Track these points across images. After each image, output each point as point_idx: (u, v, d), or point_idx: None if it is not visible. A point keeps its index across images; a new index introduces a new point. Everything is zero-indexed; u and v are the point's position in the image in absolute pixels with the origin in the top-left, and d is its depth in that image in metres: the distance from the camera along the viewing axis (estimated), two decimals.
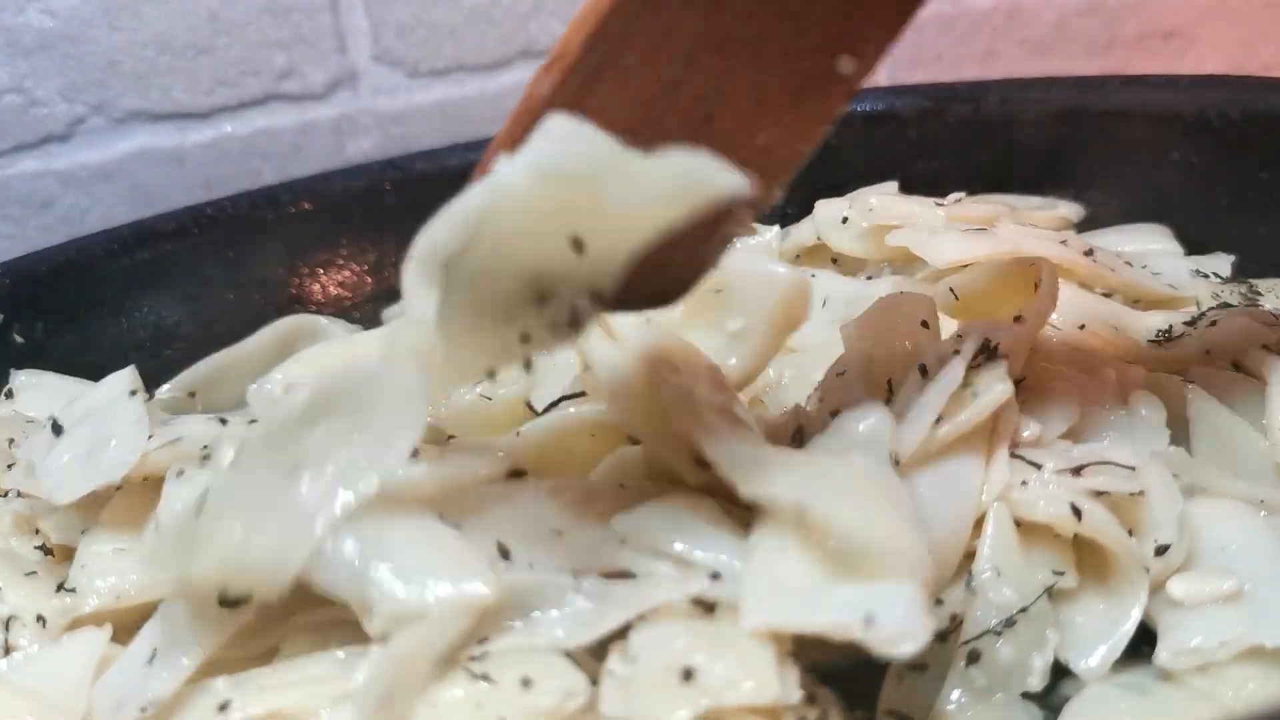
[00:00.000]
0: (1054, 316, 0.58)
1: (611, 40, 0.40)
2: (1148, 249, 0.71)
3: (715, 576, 0.40)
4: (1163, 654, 0.40)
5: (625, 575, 0.42)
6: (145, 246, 0.78)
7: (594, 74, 0.40)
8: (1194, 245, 0.71)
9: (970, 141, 0.81)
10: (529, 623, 0.40)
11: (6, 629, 0.49)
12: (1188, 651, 0.39)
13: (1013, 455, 0.46)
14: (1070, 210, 0.76)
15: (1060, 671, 0.43)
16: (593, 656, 0.40)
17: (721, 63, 0.41)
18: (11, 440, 0.59)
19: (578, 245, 0.36)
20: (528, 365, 0.47)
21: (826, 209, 0.75)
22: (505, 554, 0.42)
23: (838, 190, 0.78)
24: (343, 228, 0.78)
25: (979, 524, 0.44)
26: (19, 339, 0.72)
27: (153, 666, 0.42)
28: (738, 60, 0.41)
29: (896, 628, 0.35)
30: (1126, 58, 1.11)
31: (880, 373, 0.50)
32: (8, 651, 0.48)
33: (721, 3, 0.40)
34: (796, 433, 0.50)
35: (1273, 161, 0.69)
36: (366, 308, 0.83)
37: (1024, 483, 0.45)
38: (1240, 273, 0.67)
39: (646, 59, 0.40)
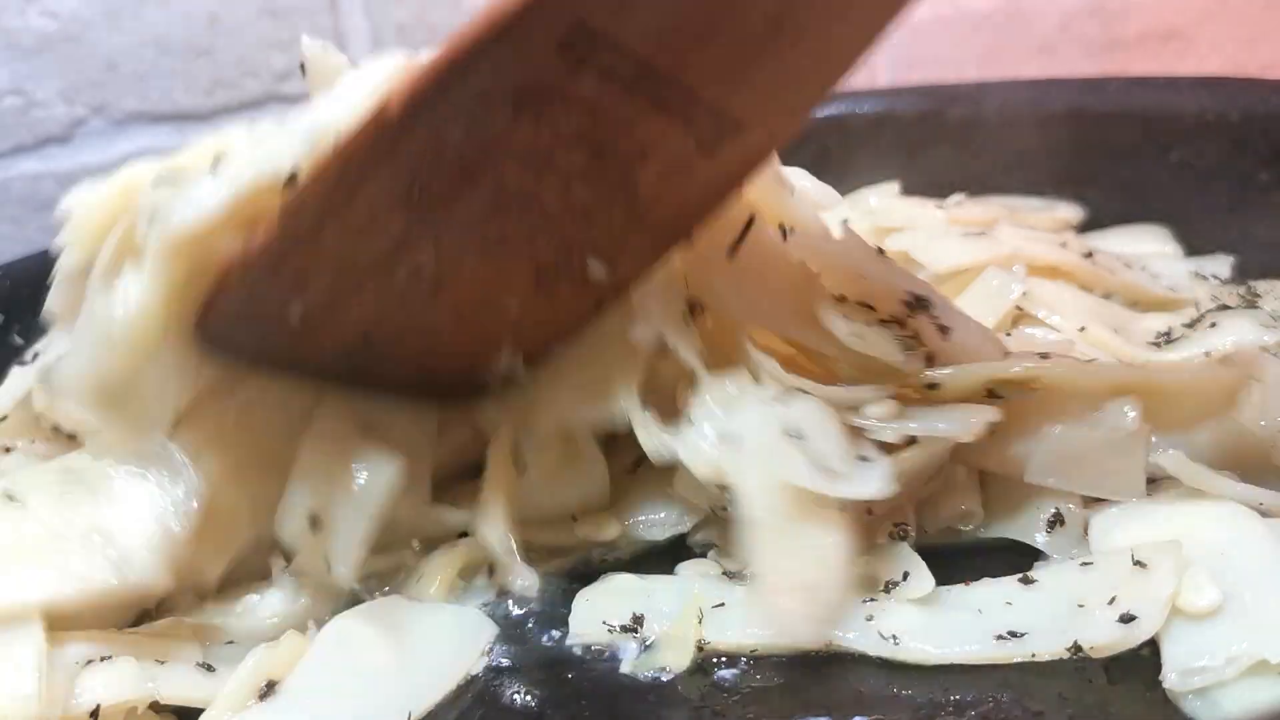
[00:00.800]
0: (1055, 319, 0.58)
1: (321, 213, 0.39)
2: (1147, 251, 0.70)
3: None
4: (1170, 675, 0.39)
5: None
6: None
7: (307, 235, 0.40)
8: (1193, 246, 0.71)
9: (970, 143, 0.81)
10: None
11: None
12: (1194, 671, 0.39)
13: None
14: (1070, 212, 0.76)
15: None
16: None
17: (447, 245, 0.41)
18: None
19: None
20: None
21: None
22: None
23: (839, 191, 0.79)
24: None
25: None
26: (19, 340, 0.72)
27: None
28: (464, 245, 0.42)
29: None
30: (1126, 59, 1.11)
31: None
32: None
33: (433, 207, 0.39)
34: None
35: (1272, 162, 0.69)
36: None
37: None
38: (1240, 274, 0.67)
39: (358, 232, 0.40)
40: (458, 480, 0.51)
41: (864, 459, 0.43)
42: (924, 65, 1.09)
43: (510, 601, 0.47)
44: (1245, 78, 0.74)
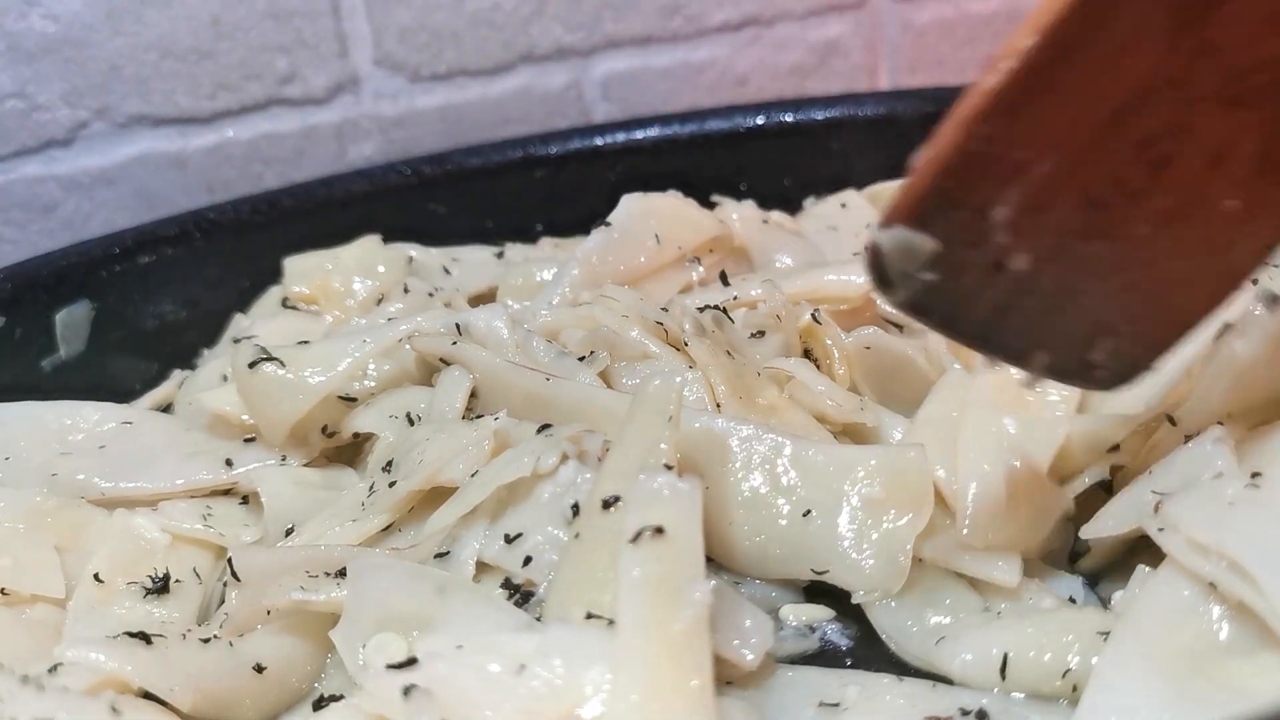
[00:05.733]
0: None
1: (1064, 46, 0.33)
2: None
3: None
4: None
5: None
6: (147, 250, 0.78)
7: (1039, 82, 0.33)
8: None
9: None
10: None
11: None
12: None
13: None
14: None
15: None
16: None
17: (1184, 99, 0.34)
18: None
19: None
20: None
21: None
22: None
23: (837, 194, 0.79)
24: (345, 232, 0.79)
25: None
26: (21, 342, 0.72)
27: None
28: (1208, 101, 0.34)
29: None
30: None
31: None
32: None
33: (1200, 27, 0.32)
34: None
35: None
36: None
37: None
38: None
39: (1097, 76, 0.33)
40: None
41: None
42: (925, 68, 1.09)
43: None
44: None
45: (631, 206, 0.68)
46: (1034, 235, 0.36)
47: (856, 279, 0.62)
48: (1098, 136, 0.35)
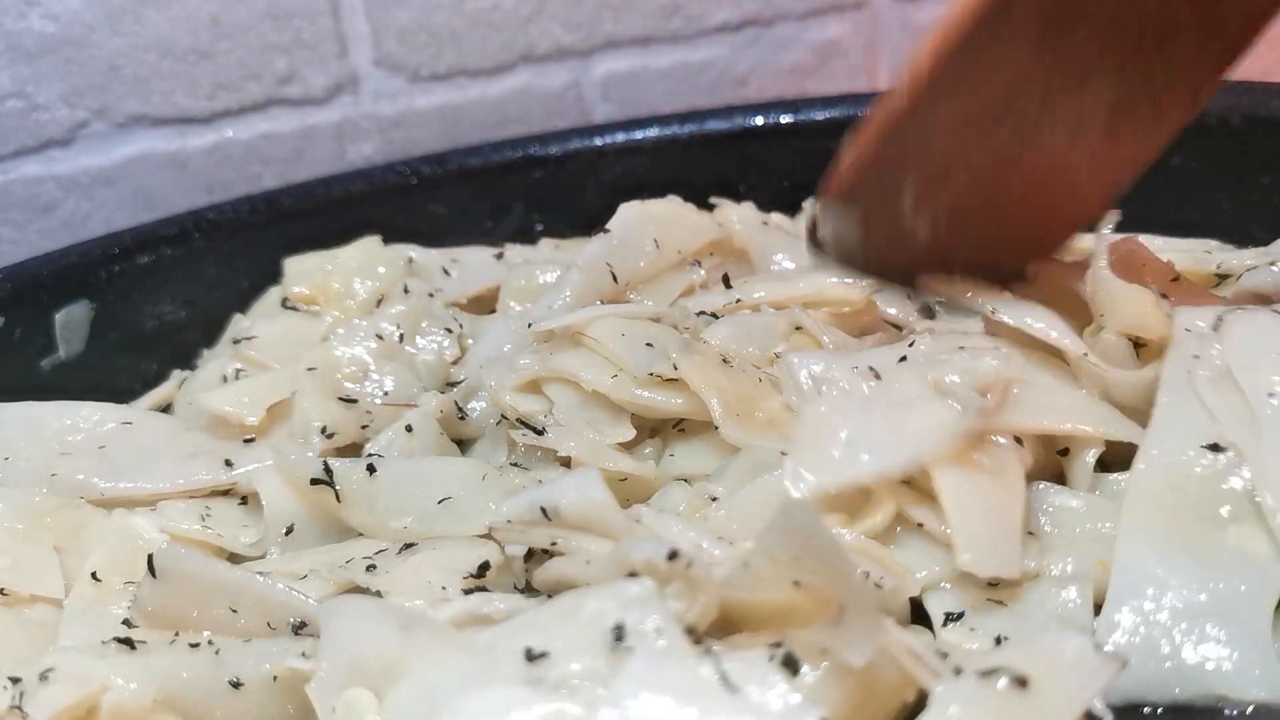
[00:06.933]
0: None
1: (951, 75, 0.47)
2: None
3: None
4: None
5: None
6: (147, 251, 0.78)
7: (930, 104, 0.47)
8: None
9: None
10: None
11: None
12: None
13: None
14: None
15: None
16: None
17: (1043, 92, 0.46)
18: None
19: None
20: None
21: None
22: None
23: None
24: (344, 232, 0.79)
25: None
26: (20, 342, 0.72)
27: None
28: (1060, 91, 0.46)
29: None
30: None
31: None
32: None
33: (1054, 42, 0.44)
34: None
35: (1273, 166, 0.69)
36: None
37: None
38: None
39: (976, 92, 0.47)
40: None
41: None
42: None
43: None
44: (1246, 81, 0.74)
45: (630, 213, 0.68)
46: (932, 201, 0.49)
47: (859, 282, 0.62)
48: (982, 127, 0.47)
